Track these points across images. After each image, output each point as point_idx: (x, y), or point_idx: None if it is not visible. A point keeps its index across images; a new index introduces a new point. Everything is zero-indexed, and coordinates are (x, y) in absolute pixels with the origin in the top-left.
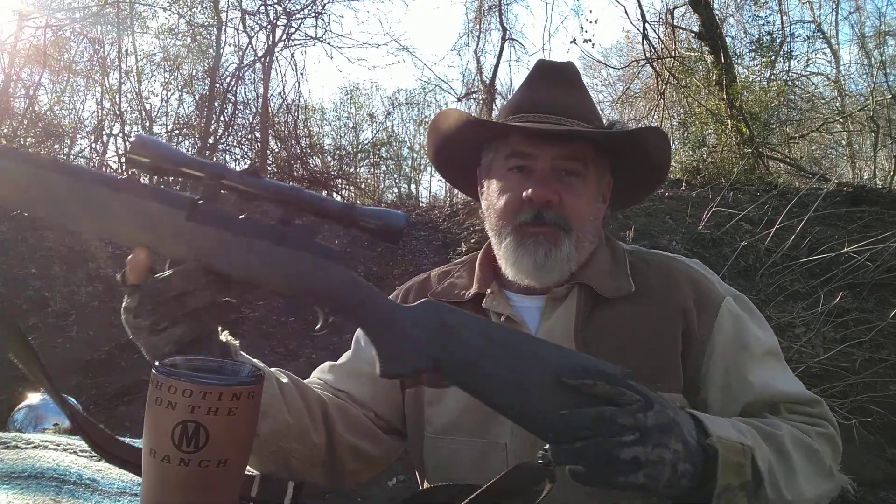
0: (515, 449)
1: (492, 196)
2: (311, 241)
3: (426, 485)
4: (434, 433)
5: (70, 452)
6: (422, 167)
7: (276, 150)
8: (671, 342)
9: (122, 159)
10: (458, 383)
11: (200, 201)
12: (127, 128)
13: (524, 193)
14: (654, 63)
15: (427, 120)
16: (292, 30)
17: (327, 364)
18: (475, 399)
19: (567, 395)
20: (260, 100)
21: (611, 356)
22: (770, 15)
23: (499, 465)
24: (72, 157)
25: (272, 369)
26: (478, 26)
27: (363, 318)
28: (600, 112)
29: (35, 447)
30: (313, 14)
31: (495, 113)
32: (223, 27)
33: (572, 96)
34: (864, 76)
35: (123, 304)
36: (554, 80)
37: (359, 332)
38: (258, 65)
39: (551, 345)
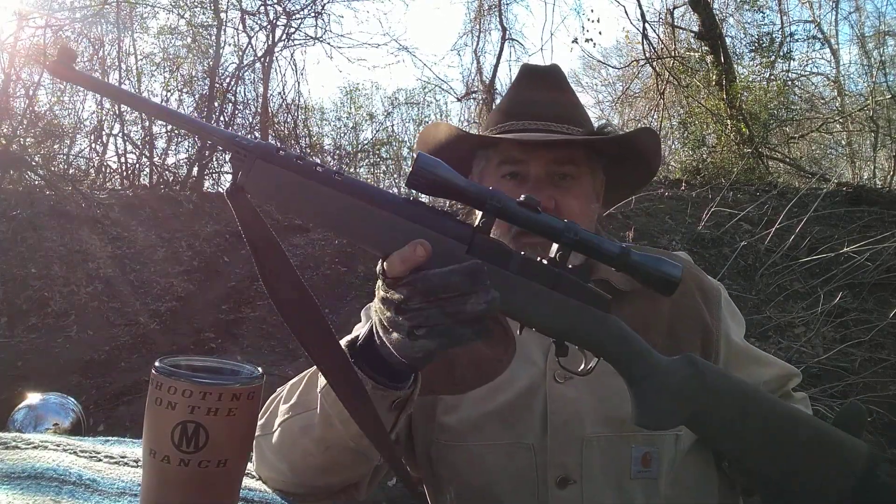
0: (545, 449)
1: None
2: (585, 287)
3: (438, 492)
4: (449, 440)
5: (70, 453)
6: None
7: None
8: (690, 335)
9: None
10: (708, 441)
11: (477, 230)
12: (127, 128)
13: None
14: (654, 63)
15: (427, 120)
16: (292, 30)
17: None
18: (498, 402)
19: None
20: (260, 100)
21: None
22: (767, 16)
23: (526, 466)
24: (71, 157)
25: None
26: (478, 26)
27: (628, 369)
28: (600, 112)
29: (35, 447)
30: (313, 14)
31: None
32: (223, 27)
33: (560, 99)
34: (864, 76)
35: (381, 294)
36: (540, 84)
37: None
38: (258, 65)
39: (808, 417)
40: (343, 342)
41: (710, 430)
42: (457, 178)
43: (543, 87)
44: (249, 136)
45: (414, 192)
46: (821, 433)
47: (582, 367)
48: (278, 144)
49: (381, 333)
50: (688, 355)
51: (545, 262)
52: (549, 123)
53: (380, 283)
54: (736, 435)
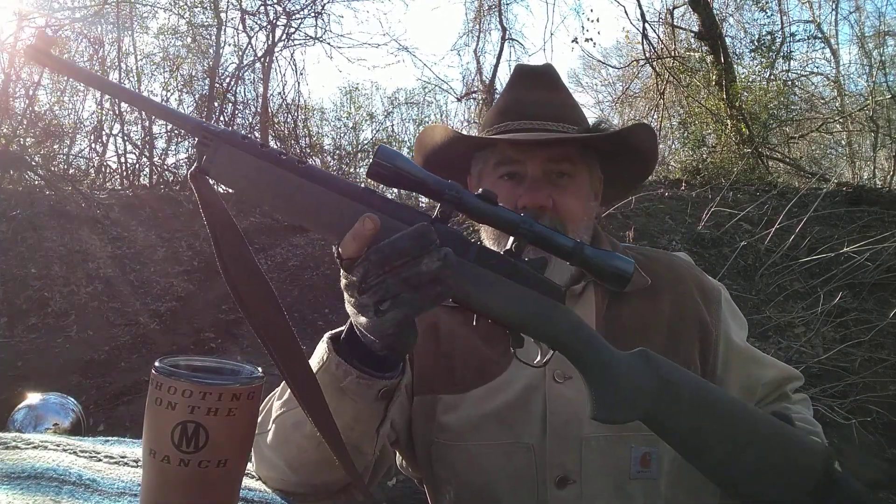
0: (544, 449)
1: None
2: (540, 278)
3: (437, 492)
4: (448, 440)
5: (70, 453)
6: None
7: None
8: (690, 336)
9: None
10: (666, 438)
11: (436, 220)
12: (127, 128)
13: (517, 201)
14: (654, 63)
15: (427, 120)
16: (292, 30)
17: None
18: (498, 402)
19: (797, 483)
20: (260, 100)
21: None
22: (772, 15)
23: (525, 466)
24: (71, 157)
25: None
26: (477, 26)
27: (583, 361)
28: (600, 111)
29: (35, 447)
30: (313, 14)
31: None
32: (223, 27)
33: (554, 99)
34: (864, 76)
35: (344, 281)
36: (535, 84)
37: None
38: (258, 65)
39: (766, 416)
40: (326, 336)
41: (667, 426)
42: (416, 170)
43: (538, 86)
44: (250, 136)
45: (377, 184)
46: (780, 431)
47: (538, 359)
48: (244, 133)
49: (354, 323)
50: (643, 350)
51: (502, 252)
52: (545, 123)
53: (342, 271)
54: (694, 432)
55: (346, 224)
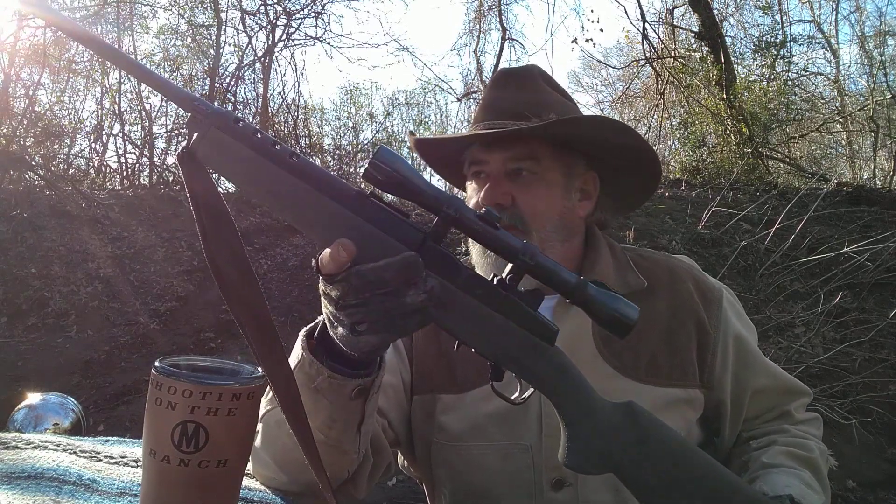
0: (541, 450)
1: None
2: (532, 315)
3: (435, 492)
4: (447, 440)
5: (70, 453)
6: (421, 167)
7: None
8: (686, 338)
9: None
10: (635, 494)
11: (429, 237)
12: (127, 128)
13: (477, 199)
14: (654, 63)
15: (427, 120)
16: (292, 30)
17: None
18: (497, 404)
19: None
20: (260, 100)
21: (631, 354)
22: (772, 16)
23: (523, 467)
24: (71, 157)
25: None
26: (478, 26)
27: (565, 406)
28: (600, 112)
29: (35, 447)
30: (313, 14)
31: None
32: (223, 27)
33: (524, 98)
34: (864, 76)
35: (322, 289)
36: (509, 83)
37: None
38: (258, 65)
39: (743, 484)
40: (301, 333)
41: (635, 483)
42: (415, 177)
43: (512, 86)
44: (245, 119)
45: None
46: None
47: (517, 394)
48: (238, 115)
49: (328, 328)
50: (629, 403)
51: (495, 281)
52: (505, 122)
53: (321, 279)
54: (665, 494)
55: (331, 231)
